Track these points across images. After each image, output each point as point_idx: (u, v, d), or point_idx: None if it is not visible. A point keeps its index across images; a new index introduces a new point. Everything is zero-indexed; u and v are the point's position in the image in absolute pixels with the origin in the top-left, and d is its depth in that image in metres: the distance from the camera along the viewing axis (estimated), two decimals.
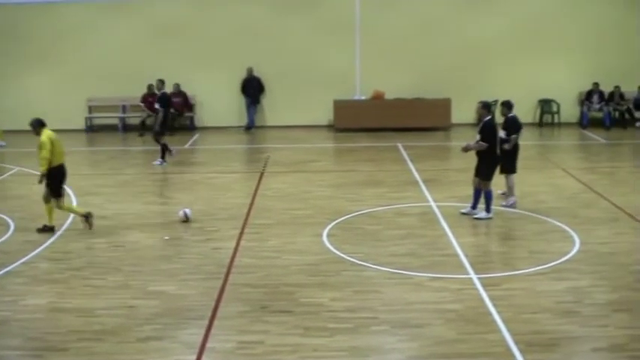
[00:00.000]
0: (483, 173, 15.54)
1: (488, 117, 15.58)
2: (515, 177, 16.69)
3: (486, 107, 15.75)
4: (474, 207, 15.78)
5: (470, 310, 10.75)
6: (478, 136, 15.53)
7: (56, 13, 28.76)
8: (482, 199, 15.66)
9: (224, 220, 15.81)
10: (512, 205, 16.53)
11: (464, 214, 15.82)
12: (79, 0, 28.75)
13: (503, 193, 16.97)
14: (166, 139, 22.53)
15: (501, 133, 16.28)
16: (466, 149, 15.89)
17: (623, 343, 9.66)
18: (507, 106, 16.62)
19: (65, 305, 11.21)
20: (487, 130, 15.43)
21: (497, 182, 16.27)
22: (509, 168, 16.52)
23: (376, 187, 18.64)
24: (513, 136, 16.30)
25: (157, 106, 22.49)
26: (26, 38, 28.77)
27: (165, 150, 22.28)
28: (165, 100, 22.47)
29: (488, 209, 15.53)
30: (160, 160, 22.28)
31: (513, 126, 16.45)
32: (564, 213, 15.89)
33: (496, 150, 15.77)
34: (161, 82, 22.55)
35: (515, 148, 16.55)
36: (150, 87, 28.43)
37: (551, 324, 10.23)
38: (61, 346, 9.78)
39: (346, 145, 25.67)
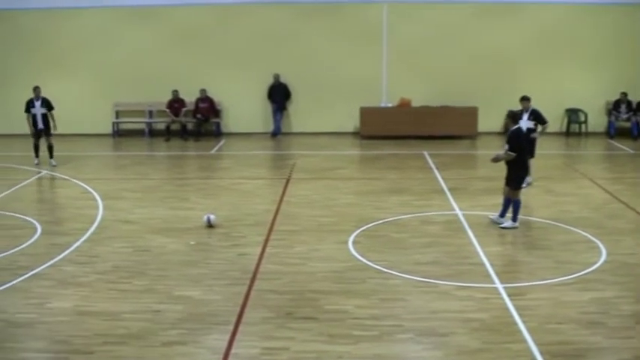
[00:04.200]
0: (513, 182, 15.47)
1: (515, 127, 15.55)
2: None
3: (511, 117, 15.78)
4: (502, 215, 15.72)
5: (495, 320, 10.70)
6: (506, 146, 15.49)
7: (81, 19, 28.88)
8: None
9: (250, 226, 15.83)
10: (529, 184, 18.11)
11: (492, 220, 15.77)
12: (104, 5, 28.88)
13: None
14: (36, 141, 23.54)
15: (529, 124, 18.48)
16: (496, 160, 15.87)
17: None
18: (527, 99, 18.95)
19: (90, 309, 11.25)
20: (513, 139, 15.37)
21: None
22: (532, 153, 18.37)
23: (402, 195, 18.61)
24: (547, 124, 19.00)
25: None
26: (52, 44, 28.92)
27: (38, 150, 23.51)
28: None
29: (514, 218, 15.46)
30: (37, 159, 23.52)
31: (542, 116, 18.79)
32: (590, 223, 15.79)
33: (525, 159, 15.73)
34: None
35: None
36: (174, 92, 28.57)
37: (576, 334, 10.17)
38: (86, 349, 9.81)
39: (372, 153, 25.64)
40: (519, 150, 15.35)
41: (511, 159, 15.34)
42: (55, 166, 22.87)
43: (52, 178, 21.34)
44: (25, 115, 23.31)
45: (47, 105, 23.28)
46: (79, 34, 28.96)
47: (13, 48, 29.08)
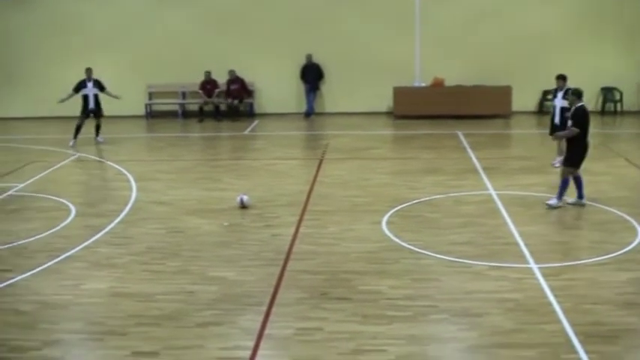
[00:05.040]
0: (569, 160, 15.23)
1: (580, 104, 15.29)
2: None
3: (576, 94, 15.44)
4: (580, 196, 15.55)
5: (529, 300, 10.63)
6: (570, 122, 15.30)
7: (116, 1, 28.99)
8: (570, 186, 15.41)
9: (283, 207, 15.82)
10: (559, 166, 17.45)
11: (570, 204, 15.55)
12: None
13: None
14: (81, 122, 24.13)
15: (564, 103, 17.84)
16: (557, 136, 15.66)
17: None
18: (563, 77, 18.56)
19: (124, 290, 11.31)
20: (579, 116, 15.13)
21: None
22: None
23: (435, 175, 18.53)
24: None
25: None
26: (86, 27, 29.09)
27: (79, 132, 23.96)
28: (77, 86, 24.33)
29: (560, 196, 15.27)
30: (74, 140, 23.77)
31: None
32: (626, 203, 15.62)
33: (587, 139, 15.41)
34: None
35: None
36: (207, 73, 28.60)
37: (612, 315, 10.08)
38: (121, 330, 9.87)
39: (405, 133, 25.57)
40: (583, 128, 15.13)
41: (573, 136, 15.12)
42: (102, 142, 24.01)
43: (87, 160, 21.46)
44: (69, 92, 24.11)
45: (99, 86, 24.18)
46: (113, 17, 29.06)
47: (49, 32, 29.21)
